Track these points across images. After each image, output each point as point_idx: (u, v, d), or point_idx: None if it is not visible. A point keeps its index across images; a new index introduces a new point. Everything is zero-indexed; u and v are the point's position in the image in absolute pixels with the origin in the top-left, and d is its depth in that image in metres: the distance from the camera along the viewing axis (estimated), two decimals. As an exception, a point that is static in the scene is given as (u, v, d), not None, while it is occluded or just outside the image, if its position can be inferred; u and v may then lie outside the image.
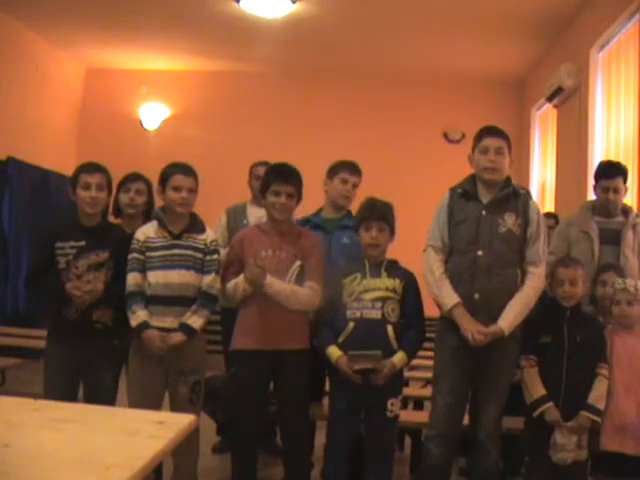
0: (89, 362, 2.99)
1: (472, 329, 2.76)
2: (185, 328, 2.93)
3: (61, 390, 2.92)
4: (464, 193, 2.94)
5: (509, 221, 2.87)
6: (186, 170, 3.05)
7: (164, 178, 3.04)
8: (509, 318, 2.80)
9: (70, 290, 2.90)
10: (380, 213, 2.97)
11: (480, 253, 2.83)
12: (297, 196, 3.07)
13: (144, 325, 2.90)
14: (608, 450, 2.90)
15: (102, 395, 2.91)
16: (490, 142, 2.92)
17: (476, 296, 2.82)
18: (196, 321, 2.94)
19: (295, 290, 2.96)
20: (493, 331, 2.78)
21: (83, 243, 2.99)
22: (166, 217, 3.03)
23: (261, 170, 4.11)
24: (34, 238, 6.92)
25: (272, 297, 2.93)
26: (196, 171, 3.08)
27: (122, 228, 3.33)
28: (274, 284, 2.93)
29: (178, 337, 2.91)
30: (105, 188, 3.05)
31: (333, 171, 3.46)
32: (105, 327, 3.02)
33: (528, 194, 3.00)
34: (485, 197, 2.92)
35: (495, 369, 2.86)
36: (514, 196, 2.92)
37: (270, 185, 3.04)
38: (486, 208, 2.88)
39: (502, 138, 2.94)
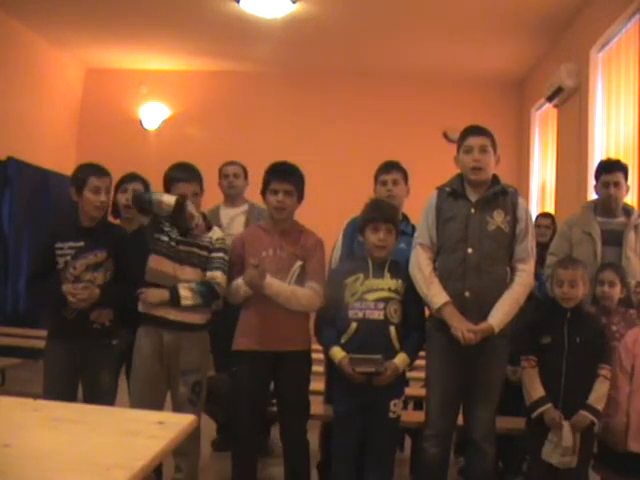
0: (87, 362, 3.00)
1: (462, 328, 2.76)
2: (173, 292, 2.88)
3: (61, 389, 2.92)
4: (452, 192, 2.93)
5: (498, 219, 2.87)
6: (187, 177, 3.04)
7: (169, 182, 3.05)
8: (499, 316, 2.80)
9: (66, 294, 2.90)
10: (388, 215, 2.96)
11: (470, 251, 2.83)
12: (297, 194, 3.04)
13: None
14: (629, 451, 2.91)
15: (101, 395, 2.92)
16: (474, 141, 2.91)
17: (467, 294, 2.82)
18: (185, 292, 2.87)
19: (295, 291, 2.95)
20: (483, 329, 2.77)
21: (82, 244, 3.00)
22: None
23: (229, 169, 4.15)
24: (34, 238, 6.93)
25: (272, 298, 2.93)
26: (200, 173, 3.11)
27: (121, 227, 3.34)
28: (273, 285, 2.91)
29: (160, 294, 2.88)
30: (110, 191, 3.11)
31: (375, 177, 3.46)
32: (103, 327, 3.03)
33: (516, 192, 2.99)
34: (473, 196, 2.91)
35: (485, 368, 2.85)
36: (502, 194, 2.92)
37: (269, 184, 3.02)
38: (475, 206, 2.88)
39: (485, 136, 2.93)
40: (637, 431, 2.92)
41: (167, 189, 3.03)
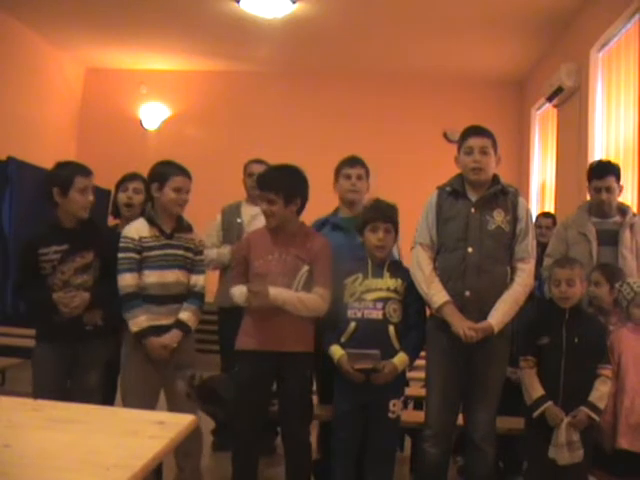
0: (78, 362, 2.98)
1: (463, 326, 2.76)
2: (182, 326, 2.97)
3: (53, 393, 2.85)
4: (452, 191, 2.94)
5: (498, 218, 2.88)
6: (186, 172, 3.07)
7: (162, 176, 3.02)
8: (498, 316, 2.80)
9: (57, 303, 2.88)
10: (387, 215, 2.97)
11: (470, 250, 2.83)
12: (283, 199, 2.95)
13: (146, 332, 2.91)
14: (621, 449, 2.92)
15: (88, 395, 2.89)
16: (474, 142, 2.92)
17: (467, 293, 2.82)
18: (190, 318, 3.01)
19: (302, 298, 2.93)
20: (483, 327, 2.78)
21: (66, 246, 2.94)
22: (157, 216, 3.04)
23: (254, 167, 4.11)
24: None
25: (280, 307, 2.91)
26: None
27: (107, 226, 3.31)
28: (279, 296, 2.89)
29: (176, 336, 2.94)
30: (94, 190, 3.07)
31: (337, 171, 3.46)
32: (96, 328, 3.01)
33: (517, 191, 3.00)
34: (473, 195, 2.92)
35: (485, 368, 2.86)
36: (503, 194, 2.93)
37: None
38: (475, 206, 2.89)
39: (486, 137, 2.93)
40: (626, 428, 2.93)
41: (161, 182, 3.01)
